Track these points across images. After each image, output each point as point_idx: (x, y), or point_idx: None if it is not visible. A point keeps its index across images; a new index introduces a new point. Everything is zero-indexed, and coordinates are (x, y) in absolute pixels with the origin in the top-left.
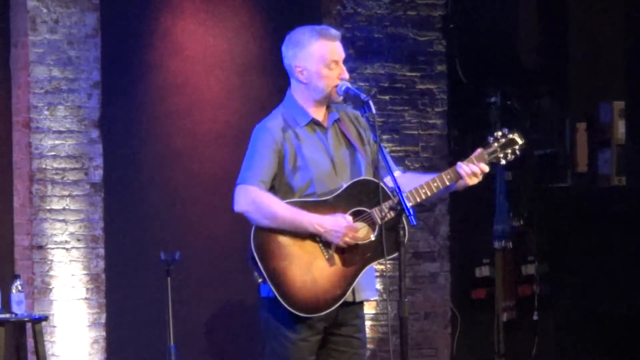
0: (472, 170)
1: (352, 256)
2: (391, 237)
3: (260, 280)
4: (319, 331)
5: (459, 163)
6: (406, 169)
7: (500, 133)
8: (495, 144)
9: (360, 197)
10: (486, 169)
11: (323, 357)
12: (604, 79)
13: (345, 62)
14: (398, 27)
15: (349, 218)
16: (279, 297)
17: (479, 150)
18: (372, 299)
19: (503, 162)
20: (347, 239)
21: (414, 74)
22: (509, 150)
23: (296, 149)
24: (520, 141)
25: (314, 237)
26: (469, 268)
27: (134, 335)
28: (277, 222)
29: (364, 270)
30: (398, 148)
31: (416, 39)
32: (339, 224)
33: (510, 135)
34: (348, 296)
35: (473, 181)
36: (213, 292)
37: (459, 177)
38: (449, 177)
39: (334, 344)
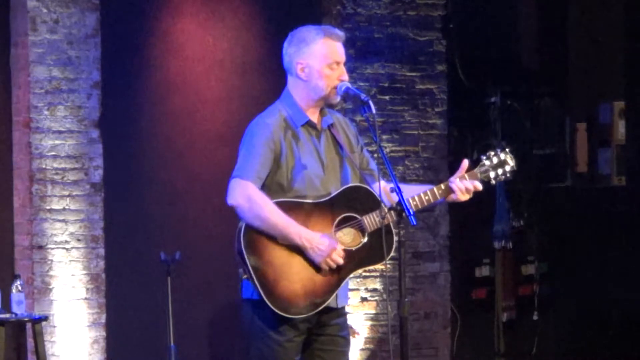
0: (465, 186)
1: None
2: (379, 245)
3: (245, 276)
4: (302, 332)
5: (451, 179)
6: (406, 169)
7: (492, 152)
8: (488, 163)
9: (351, 203)
10: (480, 187)
11: (308, 358)
12: (604, 79)
13: (345, 62)
14: (398, 27)
15: (339, 247)
16: (263, 295)
17: (472, 170)
18: (347, 305)
19: (493, 182)
20: (329, 261)
21: (414, 74)
22: (500, 171)
23: (292, 149)
24: (511, 163)
25: None
26: (469, 268)
27: (134, 335)
28: (267, 226)
29: (350, 276)
30: (398, 148)
31: (416, 39)
32: (325, 245)
33: (503, 156)
34: (331, 302)
35: (465, 197)
36: (213, 292)
37: (451, 191)
38: (440, 191)
39: (319, 343)
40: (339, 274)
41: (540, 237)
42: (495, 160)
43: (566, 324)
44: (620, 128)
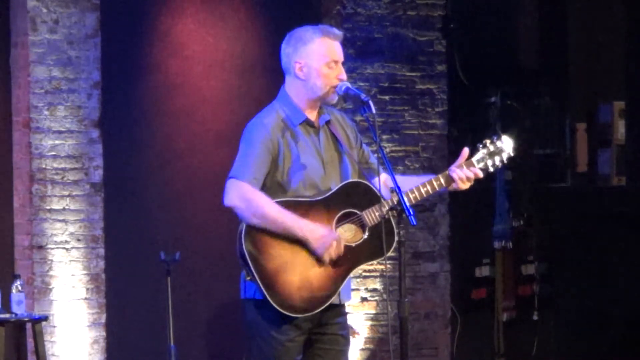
0: (466, 175)
1: (341, 257)
2: (380, 240)
3: (248, 277)
4: (304, 331)
5: (451, 167)
6: (406, 169)
7: (489, 141)
8: (484, 151)
9: (350, 199)
10: (480, 174)
11: (309, 357)
12: (604, 79)
13: (345, 62)
14: (398, 27)
15: (340, 237)
16: (267, 297)
17: (469, 159)
18: (350, 301)
19: (491, 169)
20: (331, 252)
21: (414, 74)
22: (497, 159)
23: (291, 149)
24: (507, 150)
25: None
26: (469, 268)
27: (134, 335)
28: (267, 222)
29: (352, 272)
30: (398, 148)
31: (416, 39)
32: (328, 237)
33: (499, 144)
34: (334, 299)
35: (466, 186)
36: (213, 292)
37: (452, 181)
38: (438, 182)
39: (319, 342)
40: (342, 270)
41: (540, 237)
42: (491, 148)
43: (566, 324)
44: (620, 128)
